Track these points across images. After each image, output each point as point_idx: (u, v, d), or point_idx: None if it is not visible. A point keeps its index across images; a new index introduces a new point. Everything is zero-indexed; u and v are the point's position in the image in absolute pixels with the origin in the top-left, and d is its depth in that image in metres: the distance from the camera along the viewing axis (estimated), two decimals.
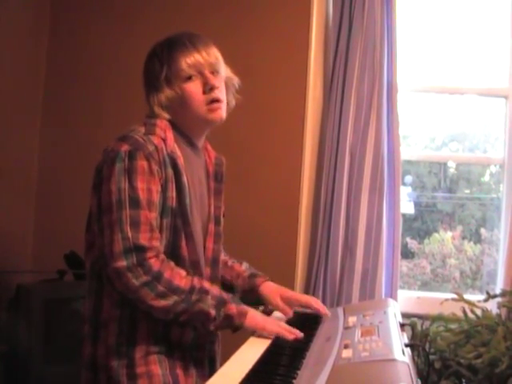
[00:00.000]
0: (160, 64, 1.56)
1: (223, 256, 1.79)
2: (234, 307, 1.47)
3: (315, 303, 1.75)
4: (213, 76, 1.56)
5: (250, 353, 1.35)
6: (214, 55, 1.58)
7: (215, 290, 1.48)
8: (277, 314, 1.74)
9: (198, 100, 1.55)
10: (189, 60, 1.54)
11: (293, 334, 1.48)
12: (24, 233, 2.82)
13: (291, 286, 2.63)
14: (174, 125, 1.57)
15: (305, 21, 2.68)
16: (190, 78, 1.54)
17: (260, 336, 1.48)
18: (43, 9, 2.88)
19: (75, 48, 2.88)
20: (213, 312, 1.44)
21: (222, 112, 1.58)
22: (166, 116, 1.56)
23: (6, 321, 2.38)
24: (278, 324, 1.52)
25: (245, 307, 1.50)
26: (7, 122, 2.66)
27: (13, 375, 2.32)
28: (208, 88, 1.55)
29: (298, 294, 1.93)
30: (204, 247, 1.61)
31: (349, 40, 2.61)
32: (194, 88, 1.55)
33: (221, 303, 1.45)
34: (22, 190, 2.83)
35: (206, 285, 1.47)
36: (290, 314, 1.71)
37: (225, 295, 1.49)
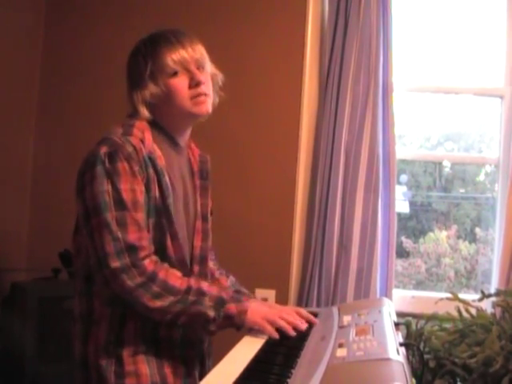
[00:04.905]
0: (144, 60, 1.55)
1: (212, 265, 1.77)
2: (233, 307, 1.45)
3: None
4: (199, 72, 1.55)
5: (244, 351, 1.35)
6: (199, 51, 1.57)
7: (215, 289, 1.47)
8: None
9: (183, 95, 1.54)
10: (174, 56, 1.53)
11: (294, 326, 1.47)
12: (19, 231, 2.81)
13: (286, 285, 2.63)
14: (156, 124, 1.56)
15: (301, 20, 2.68)
16: (175, 73, 1.53)
17: (254, 334, 1.47)
18: (38, 6, 2.87)
19: (70, 46, 2.88)
20: (211, 313, 1.43)
21: (208, 106, 1.58)
22: (148, 115, 1.55)
23: (0, 319, 2.38)
24: (280, 316, 1.49)
25: (245, 304, 1.47)
26: (2, 120, 2.65)
27: (7, 373, 2.31)
28: (194, 83, 1.54)
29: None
30: (192, 245, 1.60)
31: (344, 39, 2.61)
32: (180, 83, 1.54)
33: (220, 303, 1.44)
34: (17, 188, 2.82)
35: (204, 286, 1.46)
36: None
37: (225, 294, 1.47)
